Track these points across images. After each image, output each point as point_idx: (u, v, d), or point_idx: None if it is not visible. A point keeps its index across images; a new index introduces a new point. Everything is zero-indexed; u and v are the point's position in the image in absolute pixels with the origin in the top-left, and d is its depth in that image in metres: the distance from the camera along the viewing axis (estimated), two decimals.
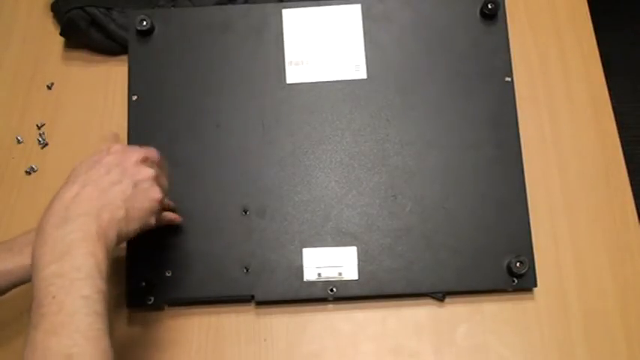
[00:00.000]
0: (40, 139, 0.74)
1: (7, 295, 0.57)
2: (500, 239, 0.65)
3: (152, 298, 0.64)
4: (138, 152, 0.53)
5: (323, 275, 0.64)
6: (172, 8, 0.75)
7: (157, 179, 0.53)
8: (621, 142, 0.72)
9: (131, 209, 0.50)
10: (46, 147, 0.74)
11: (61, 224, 0.46)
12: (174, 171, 0.67)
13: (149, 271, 0.64)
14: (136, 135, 0.68)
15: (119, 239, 0.49)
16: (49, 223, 0.46)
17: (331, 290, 0.64)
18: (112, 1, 0.76)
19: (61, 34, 0.77)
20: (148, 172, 0.53)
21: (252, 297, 0.64)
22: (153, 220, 0.52)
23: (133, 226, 0.50)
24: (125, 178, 0.50)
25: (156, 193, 0.52)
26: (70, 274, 0.43)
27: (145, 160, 0.53)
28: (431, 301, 0.65)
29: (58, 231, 0.46)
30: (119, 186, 0.50)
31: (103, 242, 0.46)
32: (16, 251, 0.55)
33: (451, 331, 0.64)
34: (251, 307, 0.65)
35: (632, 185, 0.70)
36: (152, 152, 0.56)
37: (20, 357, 0.41)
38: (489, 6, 0.70)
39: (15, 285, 0.56)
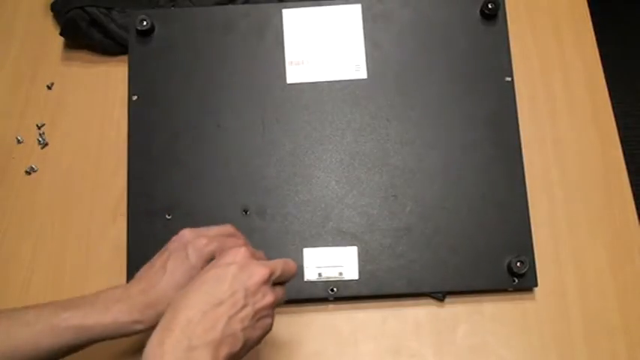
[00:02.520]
0: (40, 139, 0.74)
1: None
2: (500, 239, 0.65)
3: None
4: (263, 269, 0.50)
5: (323, 275, 0.64)
6: (172, 8, 0.75)
7: (275, 304, 0.51)
8: (621, 142, 0.72)
9: (248, 340, 0.49)
10: (46, 147, 0.74)
11: (182, 349, 0.44)
12: (175, 171, 0.67)
13: None
14: (136, 135, 0.68)
15: None
16: (171, 335, 0.45)
17: (332, 290, 0.64)
18: (112, 1, 0.76)
19: (61, 34, 0.77)
20: (270, 299, 0.50)
21: None
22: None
23: (243, 354, 0.49)
24: (248, 304, 0.48)
25: (270, 322, 0.51)
26: None
27: (268, 281, 0.50)
28: (431, 301, 0.65)
29: (180, 353, 0.44)
30: (241, 314, 0.48)
31: None
32: (100, 308, 0.52)
33: (451, 331, 0.64)
34: None
35: (632, 185, 0.70)
36: (281, 269, 0.52)
37: None
38: (489, 6, 0.70)
39: (93, 342, 0.52)
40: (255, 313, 0.49)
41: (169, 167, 0.67)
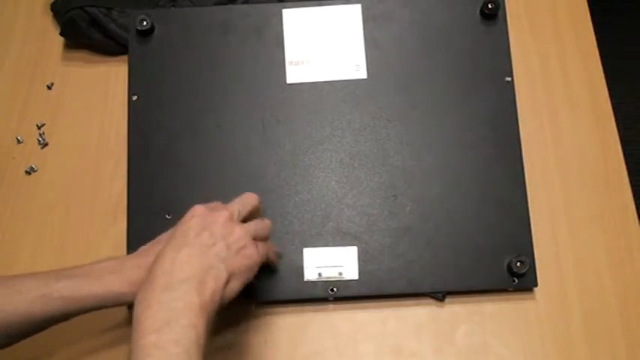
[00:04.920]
0: (40, 139, 0.74)
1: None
2: (500, 239, 0.65)
3: None
4: (223, 211, 0.53)
5: (323, 275, 0.64)
6: (172, 8, 0.75)
7: (250, 234, 0.53)
8: (621, 142, 0.72)
9: (234, 270, 0.50)
10: (46, 147, 0.74)
11: (165, 289, 0.46)
12: (175, 171, 0.67)
13: None
14: (136, 135, 0.68)
15: (221, 304, 0.48)
16: (152, 285, 0.46)
17: (332, 290, 0.64)
18: (112, 1, 0.76)
19: (61, 34, 0.77)
20: (240, 230, 0.52)
21: (253, 297, 0.64)
22: (252, 277, 0.52)
23: (235, 288, 0.50)
24: (217, 241, 0.50)
25: (253, 250, 0.52)
26: (169, 347, 0.43)
27: (231, 218, 0.53)
28: (431, 301, 0.65)
29: (162, 295, 0.46)
30: (213, 248, 0.49)
31: (205, 312, 0.46)
32: (94, 278, 0.53)
33: (451, 331, 0.64)
34: (251, 307, 0.65)
35: (632, 185, 0.70)
36: (239, 205, 0.55)
37: None
38: (489, 6, 0.70)
39: (86, 311, 0.53)
40: (229, 246, 0.50)
41: (169, 167, 0.67)
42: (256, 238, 0.54)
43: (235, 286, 0.50)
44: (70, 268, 0.54)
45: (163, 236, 0.57)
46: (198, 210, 0.52)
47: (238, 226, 0.52)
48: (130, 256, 0.56)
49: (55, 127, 0.75)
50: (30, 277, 0.52)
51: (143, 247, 0.57)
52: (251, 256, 0.52)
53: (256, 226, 0.55)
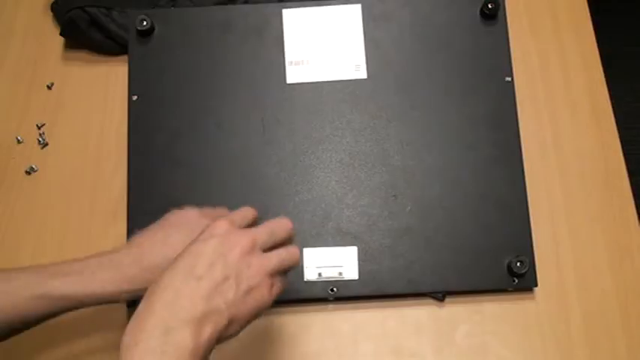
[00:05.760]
0: (40, 139, 0.74)
1: None
2: (500, 239, 0.65)
3: None
4: (246, 237, 0.47)
5: (323, 275, 0.64)
6: (172, 8, 0.75)
7: (269, 270, 0.47)
8: (621, 142, 0.72)
9: (236, 316, 0.44)
10: (46, 147, 0.74)
11: (160, 329, 0.41)
12: (175, 171, 0.67)
13: None
14: (136, 135, 0.68)
15: (217, 344, 0.44)
16: (146, 320, 0.42)
17: (332, 290, 0.64)
18: (112, 1, 0.76)
19: (61, 34, 0.77)
20: (258, 265, 0.46)
21: None
22: (258, 318, 0.47)
23: (235, 332, 0.45)
24: (230, 276, 0.45)
25: (264, 291, 0.46)
26: None
27: (252, 248, 0.46)
28: (431, 301, 0.65)
29: (154, 336, 0.41)
30: (223, 287, 0.44)
31: (197, 357, 0.42)
32: (90, 275, 0.50)
33: (451, 331, 0.64)
34: None
35: (632, 185, 0.70)
36: (268, 233, 0.48)
37: None
38: (489, 6, 0.70)
39: (80, 307, 0.51)
40: (240, 284, 0.45)
41: (169, 167, 0.67)
42: (276, 272, 0.48)
43: (235, 330, 0.45)
44: (63, 264, 0.52)
45: (160, 224, 0.54)
46: (219, 227, 0.47)
47: (257, 260, 0.46)
48: (125, 249, 0.53)
49: (55, 127, 0.75)
50: (25, 273, 0.51)
51: (140, 239, 0.53)
52: (261, 298, 0.46)
53: (280, 257, 0.48)
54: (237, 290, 0.45)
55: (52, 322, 0.66)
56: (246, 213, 0.52)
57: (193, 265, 0.45)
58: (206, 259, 0.45)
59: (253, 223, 0.52)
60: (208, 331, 0.43)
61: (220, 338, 0.44)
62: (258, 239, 0.47)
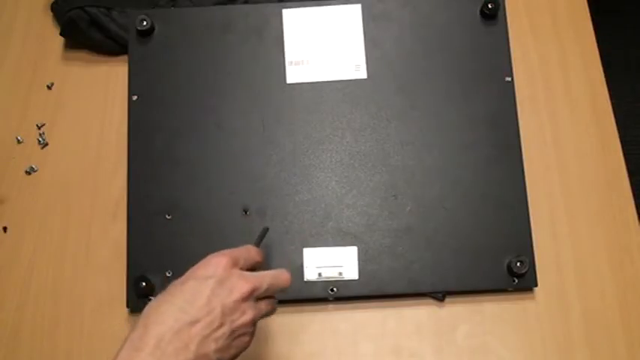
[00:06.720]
0: (40, 139, 0.74)
1: None
2: (500, 239, 0.65)
3: (152, 299, 0.64)
4: (247, 284, 0.47)
5: (323, 275, 0.64)
6: (172, 8, 0.75)
7: (257, 319, 0.49)
8: (621, 142, 0.72)
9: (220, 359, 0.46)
10: (46, 147, 0.74)
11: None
12: (175, 171, 0.67)
13: (149, 271, 0.64)
14: (136, 135, 0.68)
15: None
16: (140, 350, 0.43)
17: (331, 290, 0.64)
18: (112, 1, 0.76)
19: (61, 34, 0.77)
20: (249, 317, 0.47)
21: None
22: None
23: None
24: (225, 322, 0.46)
25: (249, 338, 0.48)
26: None
27: (249, 296, 0.47)
28: (431, 301, 0.65)
29: None
30: (216, 333, 0.45)
31: None
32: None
33: (451, 331, 0.64)
34: None
35: (632, 185, 0.70)
36: (269, 282, 0.49)
37: None
38: (489, 6, 0.70)
39: None
40: (232, 332, 0.46)
41: (169, 167, 0.67)
42: (260, 319, 0.50)
43: None
44: None
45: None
46: (220, 266, 0.47)
47: (252, 310, 0.48)
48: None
49: (55, 127, 0.75)
50: None
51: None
52: (245, 344, 0.48)
53: (267, 308, 0.51)
54: (228, 337, 0.46)
55: (52, 321, 0.66)
56: (252, 254, 0.52)
57: (191, 302, 0.45)
58: (204, 301, 0.46)
59: (256, 267, 0.52)
60: None
61: None
62: (258, 290, 0.48)
